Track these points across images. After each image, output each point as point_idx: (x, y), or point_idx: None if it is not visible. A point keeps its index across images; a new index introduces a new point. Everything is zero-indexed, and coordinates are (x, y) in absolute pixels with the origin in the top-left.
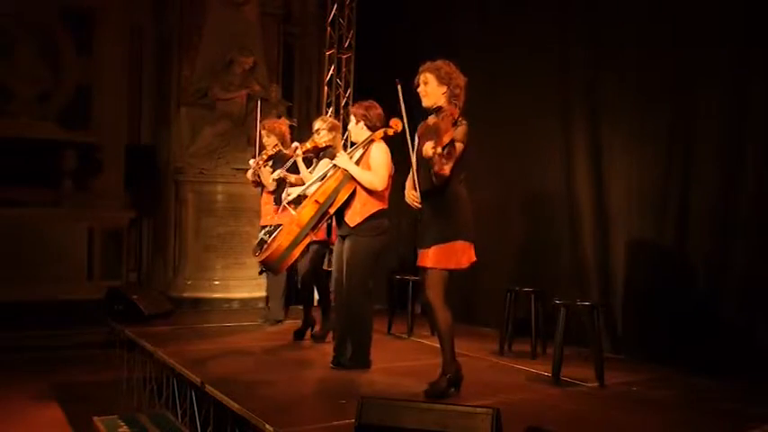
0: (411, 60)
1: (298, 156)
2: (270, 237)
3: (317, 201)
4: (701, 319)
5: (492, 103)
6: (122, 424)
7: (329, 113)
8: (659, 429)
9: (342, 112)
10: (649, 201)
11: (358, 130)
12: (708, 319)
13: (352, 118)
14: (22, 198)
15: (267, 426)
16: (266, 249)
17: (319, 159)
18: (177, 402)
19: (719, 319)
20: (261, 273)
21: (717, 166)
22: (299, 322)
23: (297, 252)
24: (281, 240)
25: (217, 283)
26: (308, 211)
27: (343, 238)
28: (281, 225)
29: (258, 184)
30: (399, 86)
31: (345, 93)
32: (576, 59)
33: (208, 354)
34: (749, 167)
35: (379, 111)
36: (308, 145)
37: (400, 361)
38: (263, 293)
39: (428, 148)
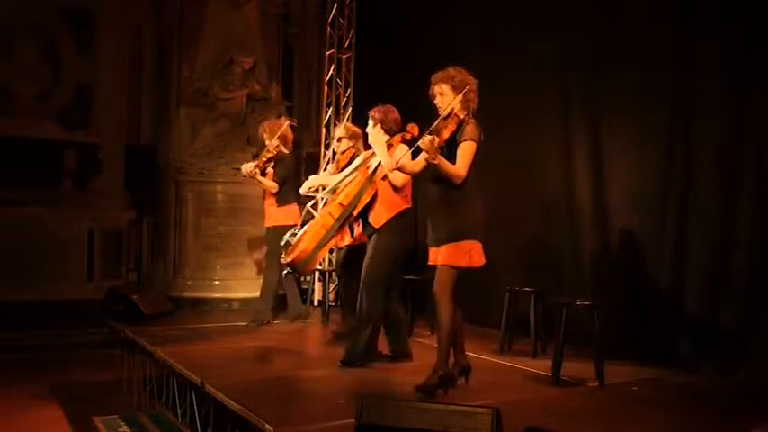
0: (411, 60)
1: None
2: (295, 238)
3: (341, 203)
4: (701, 318)
5: (492, 103)
6: (122, 424)
7: (329, 113)
8: (659, 429)
9: (342, 111)
10: (649, 201)
11: (375, 134)
12: (708, 319)
13: (370, 121)
14: (22, 198)
15: (267, 426)
16: (292, 251)
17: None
18: (177, 402)
19: (720, 320)
20: (286, 274)
21: (717, 166)
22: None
23: (322, 254)
24: (308, 243)
25: (217, 282)
26: (333, 213)
27: (369, 237)
28: (297, 225)
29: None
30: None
31: (345, 93)
32: (576, 60)
33: (208, 354)
34: (749, 167)
35: (397, 115)
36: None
37: (400, 360)
38: None
39: (426, 141)
